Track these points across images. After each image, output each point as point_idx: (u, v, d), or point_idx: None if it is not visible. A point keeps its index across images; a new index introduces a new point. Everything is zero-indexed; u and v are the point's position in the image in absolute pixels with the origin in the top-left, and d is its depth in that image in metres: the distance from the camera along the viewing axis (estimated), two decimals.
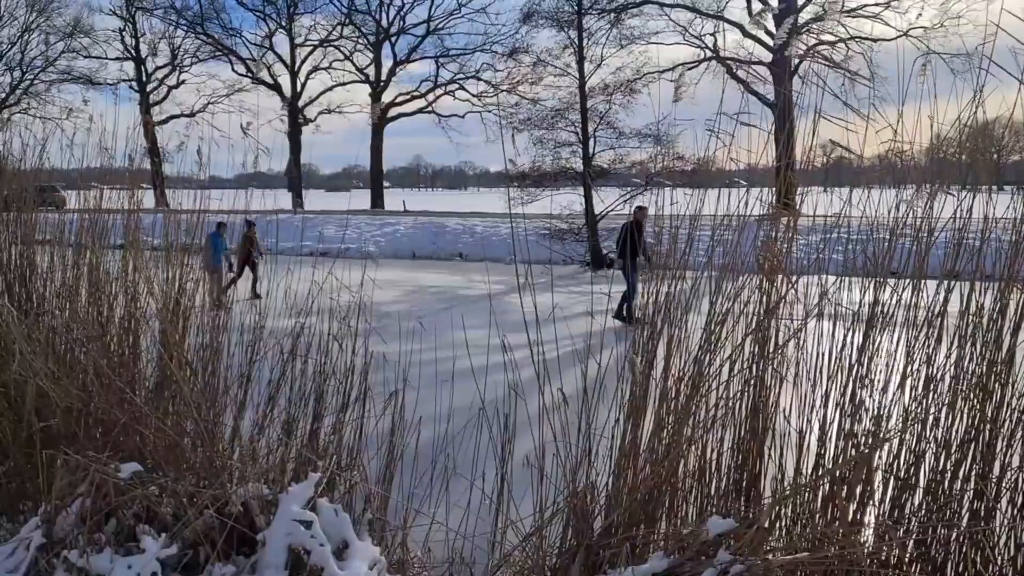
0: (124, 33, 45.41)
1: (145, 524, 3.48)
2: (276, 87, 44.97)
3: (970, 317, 3.20)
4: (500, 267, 4.09)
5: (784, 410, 3.48)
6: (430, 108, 45.21)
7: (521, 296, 3.70)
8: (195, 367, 4.40)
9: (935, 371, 3.21)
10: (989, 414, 3.12)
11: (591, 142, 24.79)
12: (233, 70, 45.56)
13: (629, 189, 22.55)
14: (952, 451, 3.15)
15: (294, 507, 3.27)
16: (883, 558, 3.01)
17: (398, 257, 26.97)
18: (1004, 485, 3.11)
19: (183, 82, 46.13)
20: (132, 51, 45.66)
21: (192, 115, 40.17)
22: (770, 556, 2.77)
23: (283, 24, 45.49)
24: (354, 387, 4.36)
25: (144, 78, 45.89)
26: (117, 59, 45.56)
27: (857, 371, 3.29)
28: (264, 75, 43.99)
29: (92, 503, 3.37)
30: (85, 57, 44.84)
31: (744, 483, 3.47)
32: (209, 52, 45.48)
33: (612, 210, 22.62)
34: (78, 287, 4.82)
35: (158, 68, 46.24)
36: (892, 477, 3.20)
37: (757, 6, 32.14)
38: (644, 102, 24.93)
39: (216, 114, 39.19)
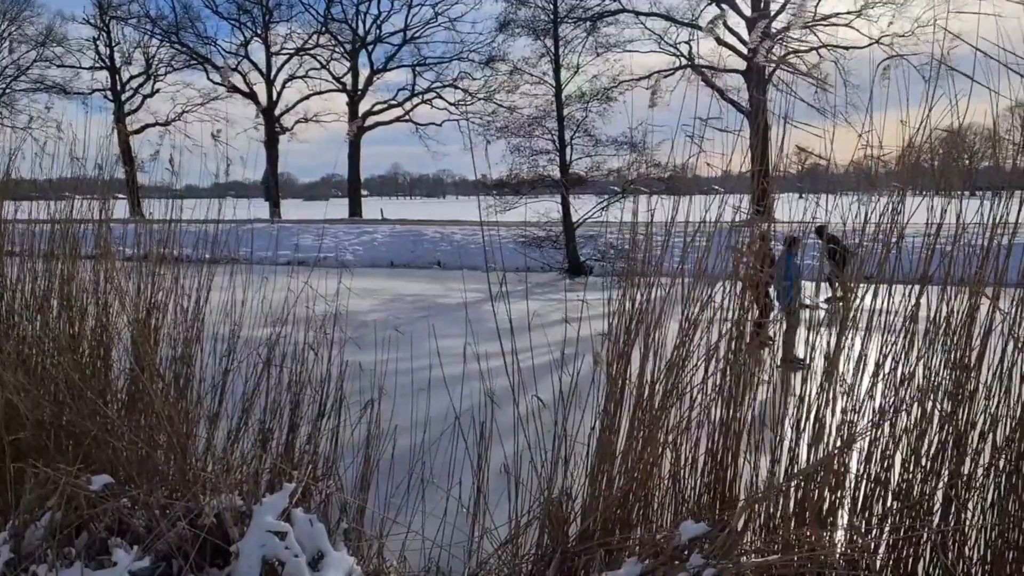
0: (98, 42, 45.08)
1: (117, 537, 3.45)
2: (252, 96, 44.75)
3: (940, 321, 3.24)
4: (478, 275, 4.09)
5: (758, 414, 3.50)
6: (407, 117, 45.17)
7: (494, 305, 3.71)
8: (167, 379, 4.36)
9: (906, 373, 3.25)
10: (959, 416, 3.16)
11: (568, 150, 24.89)
12: (208, 79, 45.34)
13: (606, 196, 22.65)
14: (922, 453, 3.18)
15: (268, 518, 3.25)
16: (854, 560, 3.03)
17: (376, 266, 26.89)
18: (973, 486, 3.14)
19: (158, 91, 45.83)
20: (106, 60, 45.31)
21: (167, 124, 39.94)
22: (742, 559, 2.78)
23: (259, 32, 45.32)
24: (330, 396, 4.34)
25: (118, 87, 45.54)
26: (91, 68, 45.19)
27: (831, 374, 3.32)
28: (238, 82, 43.71)
29: (62, 516, 3.33)
30: (58, 66, 44.45)
31: (718, 487, 3.48)
32: (184, 61, 45.23)
33: (590, 217, 22.71)
34: (49, 298, 4.76)
35: (132, 77, 45.94)
36: (864, 479, 3.23)
37: (732, 16, 32.47)
38: (620, 110, 25.13)
39: (191, 123, 39.03)
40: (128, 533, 3.47)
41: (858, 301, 3.36)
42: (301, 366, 4.41)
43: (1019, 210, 3.19)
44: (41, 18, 44.65)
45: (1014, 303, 3.14)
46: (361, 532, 3.96)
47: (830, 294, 3.62)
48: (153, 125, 39.46)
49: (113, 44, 45.18)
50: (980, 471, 3.14)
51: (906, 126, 3.41)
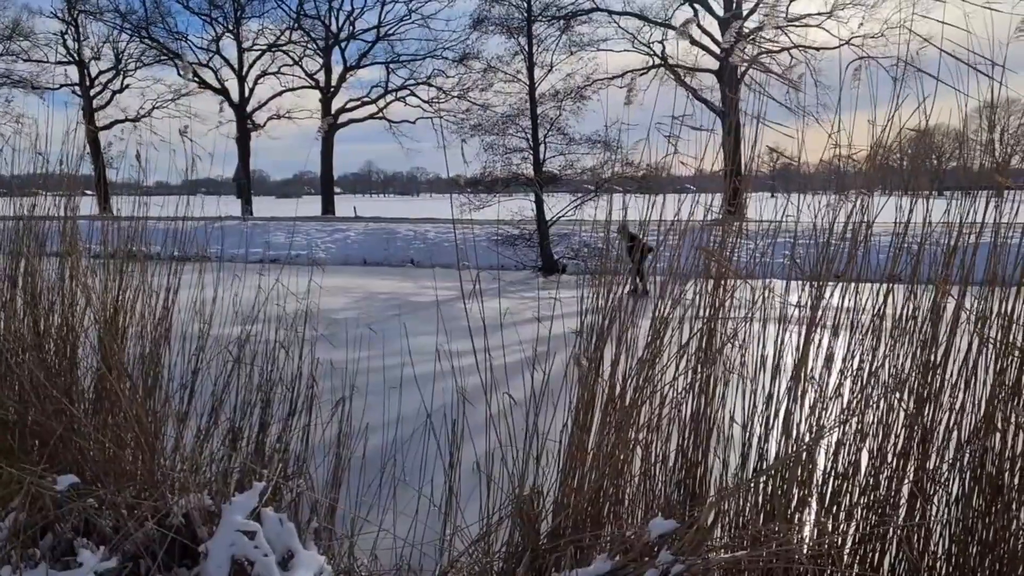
0: (66, 37, 44.39)
1: (83, 537, 3.41)
2: (223, 92, 44.32)
3: (907, 318, 3.29)
4: (451, 273, 4.08)
5: (729, 410, 3.53)
6: (381, 114, 44.98)
7: (465, 303, 3.70)
8: (135, 377, 4.31)
9: (874, 370, 3.29)
10: (925, 413, 3.20)
11: (542, 148, 24.90)
12: (179, 74, 44.86)
13: (579, 195, 22.71)
14: (888, 449, 3.22)
15: (237, 517, 3.22)
16: (821, 555, 3.06)
17: (349, 263, 26.74)
18: (938, 481, 3.19)
19: (127, 87, 45.25)
20: (75, 55, 44.64)
21: (136, 120, 39.45)
22: (711, 555, 2.81)
23: (230, 28, 44.90)
24: (301, 395, 4.31)
25: (87, 83, 44.88)
26: (59, 63, 44.45)
27: (800, 371, 3.35)
28: (209, 78, 43.25)
29: (27, 517, 3.29)
30: (25, 61, 43.70)
31: (689, 483, 3.51)
32: (154, 56, 44.69)
33: (563, 216, 22.75)
34: (13, 296, 4.69)
35: (101, 72, 45.32)
36: (831, 475, 3.27)
37: (703, 15, 32.68)
38: (594, 108, 25.20)
39: (160, 119, 38.56)
40: (95, 533, 3.43)
41: (825, 300, 3.40)
42: (272, 364, 4.37)
43: (985, 209, 3.25)
44: (7, 11, 43.94)
45: (978, 300, 3.19)
46: (332, 531, 3.94)
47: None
48: (122, 121, 38.95)
49: (82, 39, 44.54)
50: (945, 466, 3.18)
51: (873, 125, 3.45)
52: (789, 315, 3.52)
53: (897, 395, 3.25)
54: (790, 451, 3.27)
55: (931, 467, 3.19)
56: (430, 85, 42.69)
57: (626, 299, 3.60)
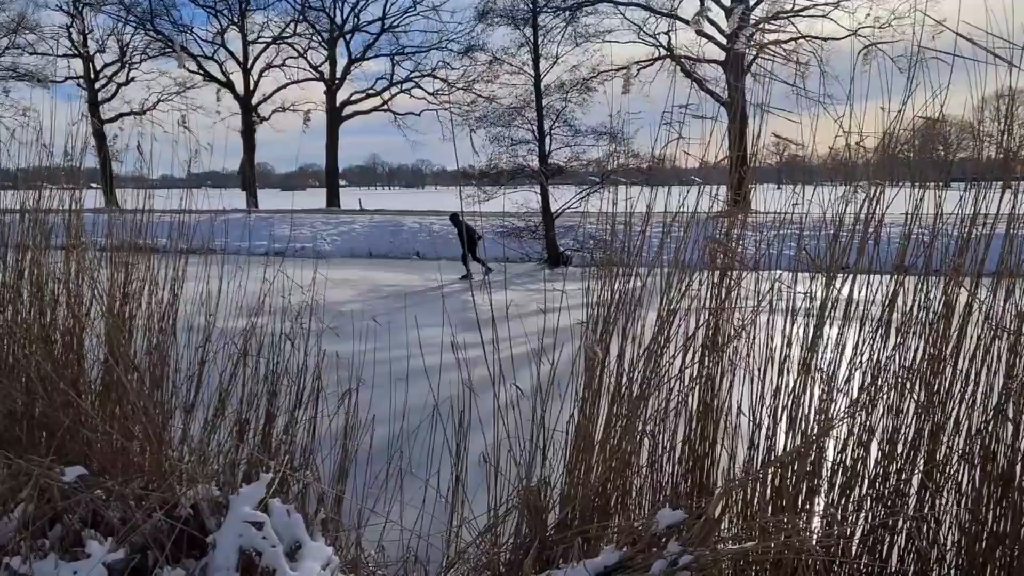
0: (71, 29, 44.40)
1: (91, 528, 3.41)
2: (229, 84, 44.32)
3: (919, 309, 3.27)
4: (457, 265, 4.07)
5: (736, 402, 3.52)
6: (386, 106, 44.96)
7: (473, 294, 3.70)
8: (142, 369, 4.32)
9: (883, 362, 3.27)
10: (935, 404, 3.19)
11: (547, 140, 24.84)
12: (184, 67, 44.85)
13: (585, 187, 22.65)
14: (898, 440, 3.21)
15: (245, 508, 3.22)
16: (830, 546, 3.05)
17: (354, 256, 26.74)
18: (947, 473, 3.17)
19: (132, 79, 45.28)
20: (79, 48, 44.64)
21: (141, 113, 39.49)
22: (719, 546, 2.80)
23: (235, 20, 44.85)
24: (307, 387, 4.31)
25: (92, 75, 44.91)
26: (64, 56, 44.52)
27: (808, 363, 3.33)
28: (211, 70, 43.21)
29: (36, 508, 3.29)
30: (31, 54, 43.71)
31: (696, 475, 3.50)
32: (159, 49, 44.68)
33: (569, 207, 22.71)
34: (20, 289, 4.69)
35: (106, 65, 45.34)
36: (840, 467, 3.26)
37: (710, 5, 32.54)
38: (600, 100, 25.13)
39: (167, 112, 38.59)
40: (103, 525, 3.43)
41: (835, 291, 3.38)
42: (278, 356, 4.38)
43: (1000, 200, 3.22)
44: (13, 4, 43.91)
45: (989, 292, 3.17)
46: (339, 522, 3.94)
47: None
48: (128, 114, 39.00)
49: (86, 31, 44.54)
50: (955, 458, 3.17)
51: (887, 112, 3.42)
52: (797, 306, 3.50)
53: (907, 386, 3.23)
54: (798, 443, 3.26)
55: (941, 458, 3.17)
56: (435, 77, 42.65)
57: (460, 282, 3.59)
